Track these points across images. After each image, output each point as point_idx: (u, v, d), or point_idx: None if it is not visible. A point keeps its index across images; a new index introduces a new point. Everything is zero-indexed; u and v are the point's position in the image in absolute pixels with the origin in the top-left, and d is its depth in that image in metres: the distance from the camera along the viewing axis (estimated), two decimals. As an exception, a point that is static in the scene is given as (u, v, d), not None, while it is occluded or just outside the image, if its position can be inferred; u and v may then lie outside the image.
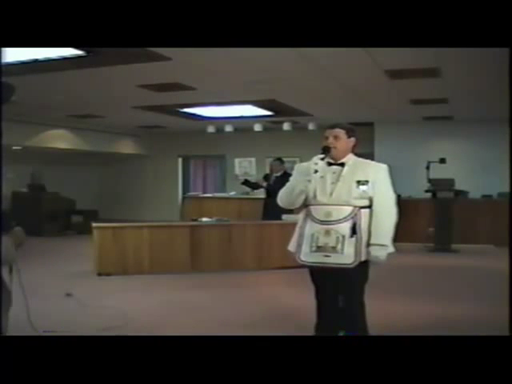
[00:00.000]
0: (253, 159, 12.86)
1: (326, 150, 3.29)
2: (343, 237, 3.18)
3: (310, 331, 3.55)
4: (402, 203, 9.48)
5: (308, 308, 3.72)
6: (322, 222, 3.25)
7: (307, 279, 3.60)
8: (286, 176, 7.93)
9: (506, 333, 3.07)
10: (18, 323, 3.64)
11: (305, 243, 3.29)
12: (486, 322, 4.47)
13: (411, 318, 4.68)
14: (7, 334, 3.01)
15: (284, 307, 5.08)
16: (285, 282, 6.29)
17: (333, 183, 3.29)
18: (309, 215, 3.33)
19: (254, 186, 8.56)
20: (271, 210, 7.79)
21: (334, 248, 3.19)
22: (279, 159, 8.31)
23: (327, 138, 3.34)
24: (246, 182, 8.50)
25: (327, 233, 3.21)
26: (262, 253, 7.17)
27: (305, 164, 3.50)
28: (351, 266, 3.17)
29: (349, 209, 3.23)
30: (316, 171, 3.22)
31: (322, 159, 3.25)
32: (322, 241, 3.22)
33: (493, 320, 4.34)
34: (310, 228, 3.29)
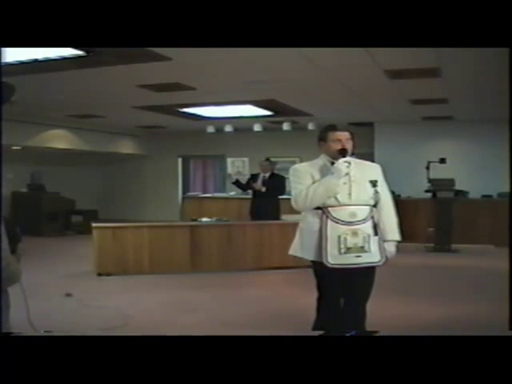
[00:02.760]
0: (246, 159, 12.84)
1: (345, 153, 3.31)
2: (368, 236, 3.26)
3: (309, 331, 3.55)
4: (402, 203, 9.59)
5: (308, 308, 3.72)
6: (348, 223, 3.26)
7: (307, 279, 3.60)
8: (273, 177, 7.92)
9: (506, 333, 3.07)
10: (18, 323, 3.64)
11: (330, 245, 3.25)
12: (486, 322, 4.47)
13: (411, 317, 4.68)
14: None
15: (284, 307, 5.08)
16: (285, 282, 6.29)
17: (345, 184, 3.30)
18: (328, 217, 3.28)
19: (245, 187, 8.45)
20: (260, 210, 7.77)
21: (362, 248, 3.25)
22: (268, 159, 8.20)
23: (340, 140, 3.35)
24: (237, 182, 8.41)
25: (355, 233, 3.25)
26: (261, 253, 7.17)
27: (306, 164, 3.49)
28: (380, 263, 3.30)
29: (368, 208, 3.31)
30: (347, 174, 3.26)
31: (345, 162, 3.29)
32: (351, 242, 3.24)
33: (493, 320, 4.34)
34: (334, 230, 3.26)
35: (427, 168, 9.27)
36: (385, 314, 4.57)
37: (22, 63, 5.36)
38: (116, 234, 6.90)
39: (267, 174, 7.99)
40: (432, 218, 9.31)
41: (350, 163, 3.29)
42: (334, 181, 3.25)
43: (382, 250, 3.30)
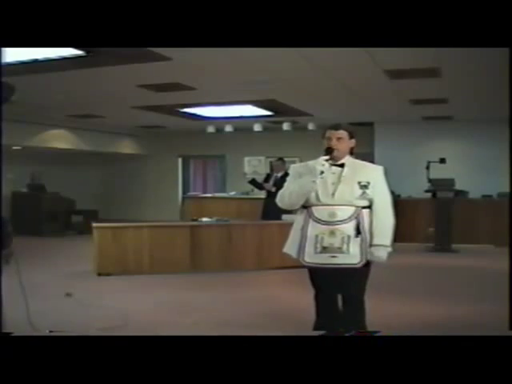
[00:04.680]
0: (262, 158, 12.84)
1: (329, 152, 3.30)
2: (348, 237, 3.22)
3: (309, 331, 3.55)
4: (402, 203, 9.57)
5: (308, 308, 3.72)
6: (327, 223, 3.25)
7: (307, 279, 3.60)
8: (285, 176, 7.94)
9: (506, 333, 3.07)
10: (18, 323, 3.64)
11: (308, 244, 3.28)
12: (486, 321, 4.46)
13: (411, 317, 4.68)
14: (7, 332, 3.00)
15: (284, 307, 5.08)
16: (285, 282, 6.29)
17: (333, 184, 3.29)
18: (310, 216, 3.31)
19: (261, 186, 8.56)
20: (271, 210, 7.80)
21: (339, 248, 3.21)
22: (281, 159, 8.31)
23: (330, 138, 3.34)
24: (253, 181, 8.51)
25: (332, 233, 3.23)
26: (262, 253, 7.16)
27: (301, 164, 3.51)
28: (358, 265, 3.23)
29: (352, 209, 3.26)
30: (322, 172, 3.23)
31: (327, 160, 3.26)
32: (327, 241, 3.23)
33: (493, 320, 4.33)
34: (313, 229, 3.28)
35: (427, 168, 9.26)
36: (385, 314, 4.57)
37: (22, 63, 5.36)
38: (116, 233, 6.90)
39: (279, 174, 8.03)
40: (432, 217, 9.31)
41: (327, 162, 3.24)
42: (308, 179, 3.26)
43: (363, 252, 3.22)
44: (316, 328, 3.56)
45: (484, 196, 9.95)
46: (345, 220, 3.23)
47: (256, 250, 7.19)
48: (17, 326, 3.50)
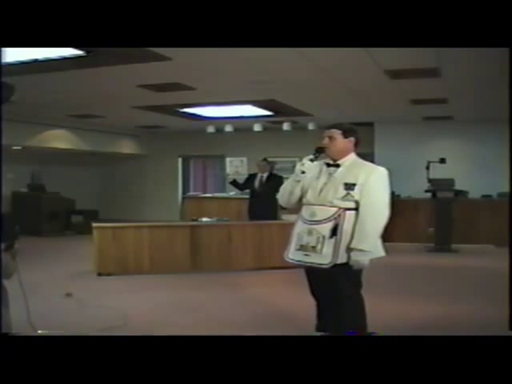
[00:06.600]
0: (244, 158, 12.78)
1: (318, 151, 3.34)
2: (323, 237, 3.21)
3: (309, 331, 3.55)
4: (402, 203, 9.53)
5: (308, 308, 3.73)
6: (308, 222, 3.30)
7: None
8: (271, 177, 7.92)
9: (506, 333, 3.08)
10: (18, 323, 3.64)
11: (292, 242, 3.37)
12: (486, 321, 4.46)
13: (411, 317, 4.67)
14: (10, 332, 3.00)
15: (284, 307, 5.08)
16: (285, 282, 6.29)
17: (325, 184, 3.32)
18: (300, 215, 3.41)
19: (241, 187, 8.49)
20: (255, 211, 7.80)
21: (313, 248, 3.23)
22: (265, 159, 8.21)
23: (323, 138, 3.38)
24: (234, 182, 8.44)
25: (310, 232, 3.26)
26: (262, 253, 7.16)
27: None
28: (327, 266, 3.19)
29: (333, 210, 3.24)
30: (303, 172, 3.27)
31: (312, 160, 3.30)
32: (305, 240, 3.28)
33: (493, 320, 4.33)
34: (299, 227, 3.36)
35: (427, 168, 9.26)
36: (384, 314, 4.56)
37: (22, 63, 5.36)
38: (116, 234, 6.90)
39: (265, 175, 7.98)
40: (432, 218, 9.31)
41: (310, 161, 3.30)
42: (290, 179, 3.40)
43: (336, 253, 3.17)
44: (316, 328, 3.58)
45: (484, 196, 9.95)
46: (323, 220, 3.24)
47: (256, 249, 7.19)
48: (17, 326, 3.50)
